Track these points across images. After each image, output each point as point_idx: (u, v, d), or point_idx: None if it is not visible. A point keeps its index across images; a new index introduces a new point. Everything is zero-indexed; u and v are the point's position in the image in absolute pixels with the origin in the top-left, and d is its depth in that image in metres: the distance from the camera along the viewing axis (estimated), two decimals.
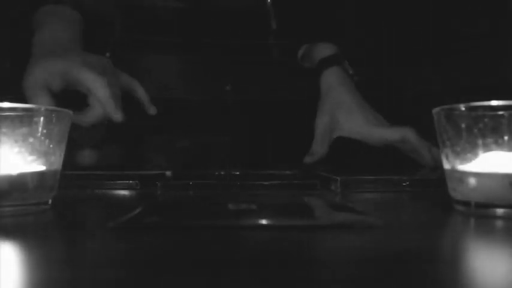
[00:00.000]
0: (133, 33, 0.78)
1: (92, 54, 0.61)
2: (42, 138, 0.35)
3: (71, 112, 0.38)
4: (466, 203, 0.33)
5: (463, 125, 0.33)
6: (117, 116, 0.58)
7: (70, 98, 0.59)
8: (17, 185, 0.34)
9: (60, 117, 0.37)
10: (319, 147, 0.70)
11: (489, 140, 0.32)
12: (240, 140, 0.77)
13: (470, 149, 0.33)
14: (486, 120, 0.32)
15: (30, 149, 0.35)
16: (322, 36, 0.76)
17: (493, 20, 0.76)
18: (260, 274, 0.20)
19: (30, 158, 0.35)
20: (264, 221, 0.29)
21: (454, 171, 0.34)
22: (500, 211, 0.31)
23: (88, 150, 0.74)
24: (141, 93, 0.65)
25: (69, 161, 0.41)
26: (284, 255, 0.23)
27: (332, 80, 0.73)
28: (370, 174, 0.51)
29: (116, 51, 0.74)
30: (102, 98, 0.58)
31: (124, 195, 0.47)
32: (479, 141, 0.32)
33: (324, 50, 0.76)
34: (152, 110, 0.64)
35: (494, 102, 0.31)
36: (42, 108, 0.36)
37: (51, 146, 0.36)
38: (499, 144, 0.32)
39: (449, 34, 0.78)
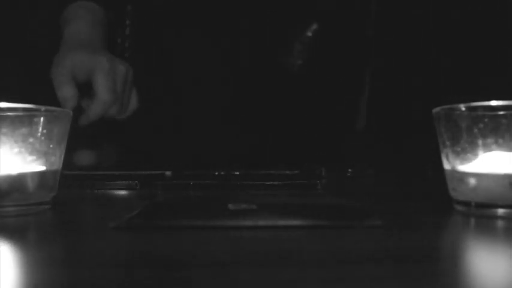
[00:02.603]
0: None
1: (118, 60, 0.63)
2: (42, 138, 0.35)
3: (71, 112, 0.38)
4: (466, 203, 0.33)
5: (463, 125, 0.33)
6: (83, 122, 0.60)
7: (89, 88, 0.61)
8: (17, 185, 0.34)
9: (60, 117, 0.37)
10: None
11: (489, 140, 0.32)
12: (240, 140, 0.77)
13: (470, 149, 0.33)
14: (486, 120, 0.32)
15: (30, 149, 0.35)
16: None
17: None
18: (260, 274, 0.20)
19: (30, 158, 0.35)
20: (264, 221, 0.29)
21: (454, 171, 0.34)
22: (500, 211, 0.31)
23: (87, 151, 0.74)
24: (113, 110, 0.63)
25: (68, 161, 0.41)
26: (284, 255, 0.23)
27: None
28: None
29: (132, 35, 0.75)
30: (92, 111, 0.60)
31: (124, 195, 0.47)
32: (479, 141, 0.32)
33: None
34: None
35: (494, 102, 0.31)
36: (43, 109, 0.36)
37: (51, 146, 0.36)
38: (499, 144, 0.32)
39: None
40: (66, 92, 0.58)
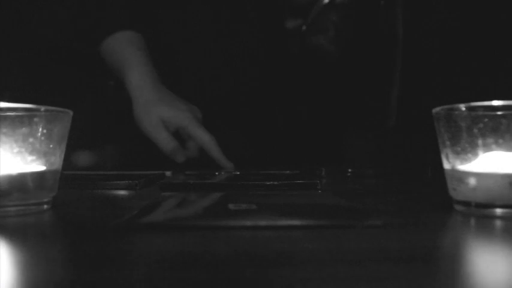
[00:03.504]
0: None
1: (190, 105, 0.73)
2: (42, 138, 0.35)
3: (71, 112, 0.38)
4: (466, 203, 0.33)
5: (463, 125, 0.33)
6: (228, 165, 0.70)
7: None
8: (17, 185, 0.34)
9: (60, 118, 0.37)
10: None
11: (489, 140, 0.32)
12: (240, 140, 0.77)
13: (470, 149, 0.33)
14: (486, 120, 0.32)
15: (30, 149, 0.35)
16: None
17: None
18: (260, 274, 0.20)
19: (30, 158, 0.35)
20: (264, 221, 0.29)
21: (454, 171, 0.34)
22: (500, 211, 0.31)
23: (88, 151, 0.74)
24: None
25: (69, 161, 0.41)
26: (284, 255, 0.23)
27: None
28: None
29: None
30: (215, 155, 0.70)
31: (124, 195, 0.47)
32: (479, 141, 0.32)
33: None
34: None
35: (494, 102, 0.31)
36: (42, 108, 0.36)
37: (51, 146, 0.36)
38: (499, 144, 0.32)
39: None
40: (174, 146, 0.69)
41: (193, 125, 0.70)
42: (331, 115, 0.80)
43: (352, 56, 0.78)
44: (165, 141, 0.69)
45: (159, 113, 0.69)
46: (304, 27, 0.75)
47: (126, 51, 0.72)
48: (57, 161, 0.37)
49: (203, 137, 0.70)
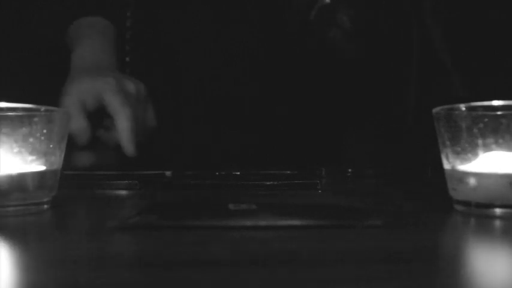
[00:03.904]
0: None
1: (129, 79, 0.62)
2: (42, 138, 0.35)
3: (70, 112, 0.38)
4: (466, 203, 0.33)
5: (463, 125, 0.33)
6: (129, 150, 0.59)
7: (103, 115, 0.61)
8: (17, 185, 0.34)
9: (60, 117, 0.37)
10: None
11: (489, 140, 0.32)
12: (240, 140, 0.77)
13: (470, 149, 0.33)
14: (486, 120, 0.32)
15: (30, 149, 0.35)
16: None
17: None
18: (260, 274, 0.20)
19: (30, 158, 0.35)
20: (264, 221, 0.29)
21: (454, 171, 0.34)
22: (500, 211, 0.31)
23: (86, 151, 0.74)
24: (141, 132, 0.63)
25: (69, 161, 0.41)
26: (284, 255, 0.23)
27: None
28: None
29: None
30: (120, 129, 0.59)
31: (124, 195, 0.47)
32: (479, 141, 0.32)
33: None
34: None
35: (494, 102, 0.31)
36: (42, 108, 0.36)
37: (51, 146, 0.36)
38: (499, 144, 0.32)
39: None
40: (77, 124, 0.58)
41: (110, 93, 0.58)
42: (336, 114, 0.80)
43: (367, 52, 0.77)
44: (73, 118, 0.57)
45: (77, 86, 0.60)
46: (311, 19, 0.74)
47: (84, 32, 0.67)
48: (57, 161, 0.37)
49: (114, 103, 0.58)
